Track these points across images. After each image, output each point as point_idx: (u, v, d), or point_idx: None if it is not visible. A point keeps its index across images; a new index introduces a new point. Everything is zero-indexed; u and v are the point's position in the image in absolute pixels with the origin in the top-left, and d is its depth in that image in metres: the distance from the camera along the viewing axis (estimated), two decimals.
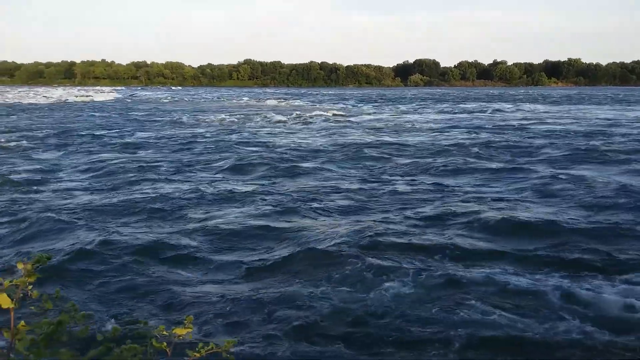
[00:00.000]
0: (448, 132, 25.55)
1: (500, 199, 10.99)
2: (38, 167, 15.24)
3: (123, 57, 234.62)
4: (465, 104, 55.98)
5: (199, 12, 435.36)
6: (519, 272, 6.85)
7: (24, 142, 21.05)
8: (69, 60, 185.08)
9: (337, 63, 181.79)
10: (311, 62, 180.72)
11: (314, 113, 38.84)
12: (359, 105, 55.54)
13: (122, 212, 9.96)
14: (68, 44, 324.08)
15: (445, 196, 11.25)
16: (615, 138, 22.04)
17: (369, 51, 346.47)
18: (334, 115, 38.03)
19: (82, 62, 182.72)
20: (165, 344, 2.25)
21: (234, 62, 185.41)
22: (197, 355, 2.28)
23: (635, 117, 34.50)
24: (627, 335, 5.23)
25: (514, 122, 30.84)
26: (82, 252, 7.46)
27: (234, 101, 64.64)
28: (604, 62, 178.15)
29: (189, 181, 13.12)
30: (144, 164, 15.58)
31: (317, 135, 24.33)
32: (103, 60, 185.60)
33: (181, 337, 2.28)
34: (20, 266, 2.09)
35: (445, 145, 19.70)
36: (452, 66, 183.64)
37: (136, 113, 41.03)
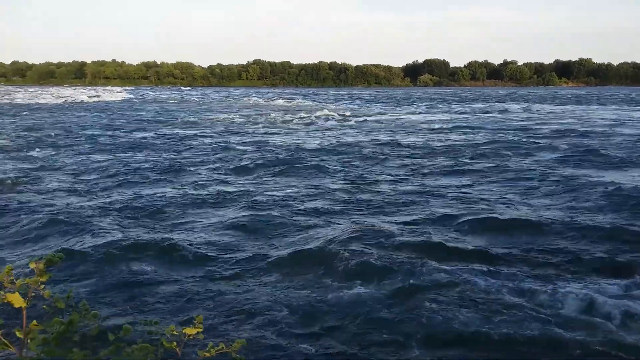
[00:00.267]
0: (453, 132, 25.48)
1: (508, 200, 10.95)
2: (41, 166, 15.37)
3: (133, 58, 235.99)
4: (473, 104, 55.74)
5: (211, 12, 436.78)
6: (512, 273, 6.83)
7: (34, 142, 21.24)
8: (79, 61, 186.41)
9: (346, 63, 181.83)
10: (320, 62, 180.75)
11: (319, 113, 38.81)
12: (367, 105, 55.48)
13: (127, 212, 10.01)
14: (79, 44, 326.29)
15: (445, 197, 11.23)
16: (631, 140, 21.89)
17: (378, 51, 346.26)
18: (340, 115, 38.00)
19: (93, 62, 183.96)
20: (175, 343, 2.26)
21: (243, 62, 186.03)
22: (207, 355, 2.29)
23: None
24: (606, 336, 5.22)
25: (523, 123, 30.69)
26: (91, 251, 7.51)
27: (242, 101, 64.72)
28: (615, 62, 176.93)
29: (193, 181, 13.17)
30: (147, 164, 15.67)
31: (320, 135, 24.35)
32: (113, 61, 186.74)
33: (191, 337, 2.29)
34: (32, 266, 2.11)
35: (446, 146, 19.67)
36: (462, 66, 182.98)
37: (143, 113, 41.24)
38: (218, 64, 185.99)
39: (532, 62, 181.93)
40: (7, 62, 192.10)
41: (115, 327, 4.88)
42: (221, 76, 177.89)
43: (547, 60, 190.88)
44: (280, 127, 29.09)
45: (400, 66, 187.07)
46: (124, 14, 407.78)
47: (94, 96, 73.55)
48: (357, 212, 10.01)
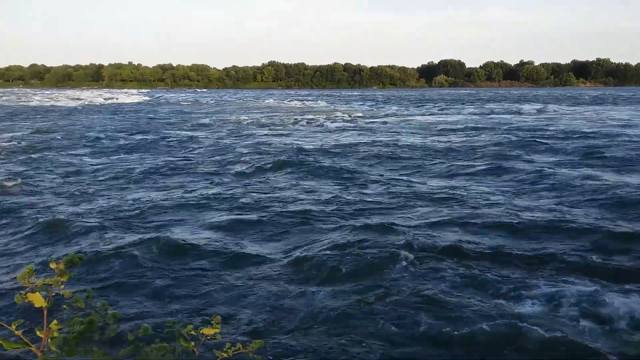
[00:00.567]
0: (460, 133, 25.32)
1: (507, 201, 10.87)
2: (66, 169, 15.54)
3: (149, 60, 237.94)
4: (488, 104, 55.41)
5: (225, 13, 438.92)
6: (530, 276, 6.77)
7: (57, 142, 21.50)
8: (96, 63, 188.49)
9: (361, 64, 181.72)
10: (335, 63, 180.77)
11: (329, 115, 38.85)
12: (379, 106, 55.34)
13: (138, 213, 10.11)
14: (96, 46, 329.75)
15: (446, 198, 11.18)
16: None
17: (393, 52, 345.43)
18: (351, 117, 37.98)
19: (110, 64, 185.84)
20: (193, 343, 2.28)
21: (258, 64, 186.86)
22: (225, 355, 2.30)
23: None
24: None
25: (533, 124, 30.40)
26: (109, 252, 7.58)
27: (256, 103, 64.90)
28: (633, 62, 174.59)
29: (201, 181, 13.27)
30: (157, 165, 15.80)
31: (328, 137, 24.39)
32: (130, 63, 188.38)
33: (209, 337, 2.30)
34: (53, 266, 2.13)
35: (448, 147, 19.59)
36: (478, 67, 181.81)
37: (156, 115, 41.56)
38: (233, 65, 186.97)
39: (549, 62, 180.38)
40: (26, 65, 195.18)
41: (134, 327, 4.95)
42: (236, 78, 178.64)
43: (564, 60, 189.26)
44: (289, 129, 29.16)
45: (415, 67, 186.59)
46: (138, 14, 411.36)
47: (110, 99, 74.23)
48: (359, 213, 9.99)
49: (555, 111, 42.82)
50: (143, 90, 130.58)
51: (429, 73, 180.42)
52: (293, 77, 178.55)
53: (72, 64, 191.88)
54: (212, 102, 68.41)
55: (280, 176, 14.04)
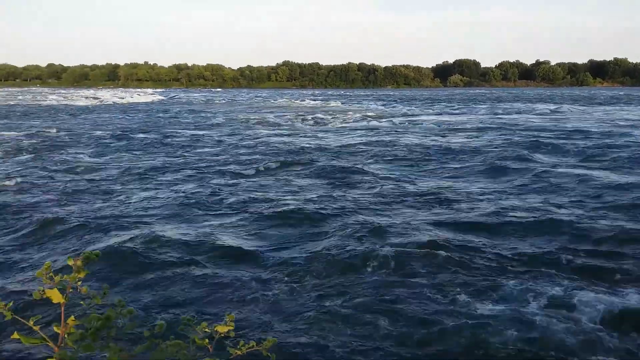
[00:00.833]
0: (471, 133, 25.18)
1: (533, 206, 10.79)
2: (76, 167, 15.70)
3: (164, 59, 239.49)
4: (501, 104, 55.02)
5: (243, 14, 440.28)
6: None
7: (64, 141, 21.73)
8: (113, 63, 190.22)
9: (375, 64, 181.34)
10: (349, 63, 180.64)
11: (342, 114, 38.84)
12: (392, 106, 55.22)
13: (152, 211, 10.19)
14: (112, 45, 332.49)
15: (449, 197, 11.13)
16: None
17: (408, 52, 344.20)
18: (362, 116, 37.95)
19: (126, 64, 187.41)
20: (207, 340, 2.30)
21: (273, 63, 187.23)
22: (238, 352, 2.31)
23: None
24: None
25: (545, 124, 30.13)
26: (125, 249, 7.66)
27: (267, 103, 64.98)
28: None
29: (212, 179, 13.34)
30: (174, 163, 15.90)
31: (338, 136, 24.41)
32: (146, 63, 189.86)
33: (222, 335, 2.31)
34: (70, 262, 2.16)
35: (449, 148, 19.47)
36: (493, 66, 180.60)
37: (170, 114, 41.87)
38: (248, 65, 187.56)
39: (566, 62, 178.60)
40: (43, 64, 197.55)
41: (150, 324, 5.01)
42: (251, 78, 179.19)
43: (581, 60, 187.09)
44: (296, 128, 29.23)
45: (430, 67, 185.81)
46: (154, 14, 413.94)
47: (125, 98, 74.84)
48: (357, 211, 10.00)
49: (571, 111, 42.41)
50: (158, 90, 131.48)
51: (443, 73, 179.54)
52: (307, 77, 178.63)
53: (89, 63, 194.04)
54: (224, 101, 68.69)
55: (283, 176, 14.05)
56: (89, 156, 18.02)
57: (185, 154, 18.47)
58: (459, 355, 5.02)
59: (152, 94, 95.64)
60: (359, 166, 15.36)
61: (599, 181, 12.63)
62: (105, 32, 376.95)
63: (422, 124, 31.47)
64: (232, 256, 7.66)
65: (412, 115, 40.27)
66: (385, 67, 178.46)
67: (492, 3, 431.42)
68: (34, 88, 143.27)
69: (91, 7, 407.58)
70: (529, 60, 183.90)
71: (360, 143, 21.02)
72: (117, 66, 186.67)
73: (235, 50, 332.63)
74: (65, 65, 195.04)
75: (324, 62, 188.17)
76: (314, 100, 69.41)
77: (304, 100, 67.51)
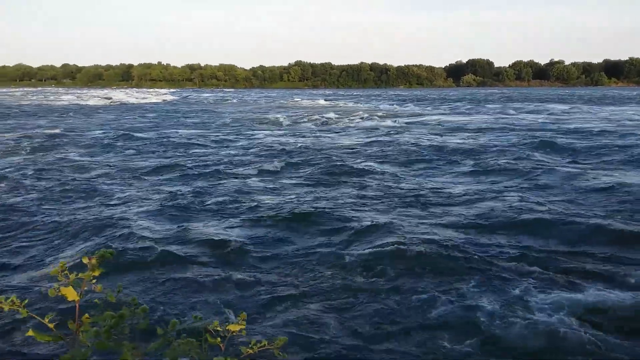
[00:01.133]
0: (477, 133, 25.04)
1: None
2: (91, 160, 15.84)
3: (177, 60, 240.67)
4: (514, 104, 54.63)
5: (261, 15, 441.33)
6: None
7: (71, 140, 21.93)
8: (126, 63, 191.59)
9: (388, 64, 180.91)
10: (361, 63, 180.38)
11: (353, 115, 38.79)
12: (403, 105, 55.07)
13: (163, 210, 10.26)
14: (126, 46, 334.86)
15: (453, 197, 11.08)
16: None
17: (421, 51, 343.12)
18: (370, 116, 37.92)
19: (139, 64, 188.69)
20: (219, 339, 2.31)
21: (285, 63, 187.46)
22: (250, 351, 2.32)
23: None
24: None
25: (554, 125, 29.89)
26: (138, 248, 7.72)
27: (278, 102, 65.08)
28: None
29: (232, 178, 13.38)
30: (188, 160, 15.99)
31: (353, 135, 24.41)
32: (159, 63, 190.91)
33: (234, 333, 2.33)
34: (85, 261, 2.19)
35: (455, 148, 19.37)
36: (507, 66, 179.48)
37: (178, 113, 42.08)
38: (260, 65, 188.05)
39: (580, 61, 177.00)
40: (58, 64, 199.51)
41: (163, 322, 5.04)
42: (263, 78, 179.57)
43: (596, 59, 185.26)
44: (302, 128, 29.27)
45: (443, 66, 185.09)
46: (166, 14, 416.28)
47: (140, 98, 75.35)
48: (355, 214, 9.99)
49: (584, 111, 42.03)
50: (171, 90, 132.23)
51: (456, 72, 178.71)
52: (319, 77, 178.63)
53: (103, 64, 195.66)
54: (235, 101, 68.92)
55: (287, 176, 14.10)
56: (83, 156, 18.19)
57: (184, 154, 18.48)
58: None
59: (164, 94, 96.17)
60: (360, 166, 15.37)
61: (596, 181, 12.54)
62: (119, 33, 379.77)
63: (427, 124, 31.42)
64: (237, 255, 7.71)
65: (418, 115, 40.15)
66: (398, 67, 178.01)
67: (505, 3, 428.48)
68: (49, 88, 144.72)
69: (107, 7, 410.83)
70: (543, 60, 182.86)
71: (362, 143, 21.08)
72: (130, 66, 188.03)
73: (248, 50, 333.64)
74: (79, 65, 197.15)
75: (336, 62, 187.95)
76: (325, 100, 69.43)
77: (314, 100, 67.58)
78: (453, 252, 7.57)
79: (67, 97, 78.19)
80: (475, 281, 6.60)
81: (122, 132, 26.00)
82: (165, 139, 22.80)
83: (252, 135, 24.93)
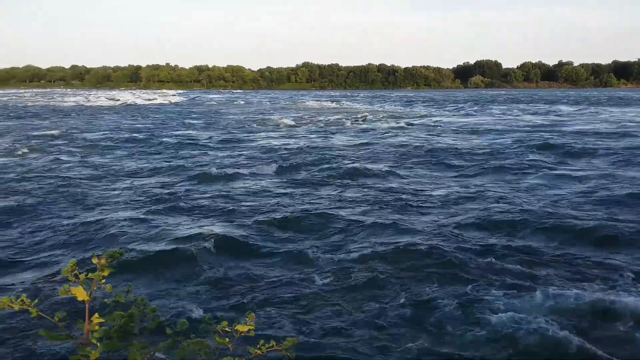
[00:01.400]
0: (480, 134, 24.95)
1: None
2: (100, 168, 15.91)
3: (185, 61, 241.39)
4: (517, 104, 54.39)
5: (266, 15, 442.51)
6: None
7: (109, 142, 22.05)
8: (135, 64, 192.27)
9: (395, 65, 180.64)
10: (369, 64, 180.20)
11: (358, 116, 38.78)
12: (409, 107, 54.99)
13: (172, 209, 10.32)
14: (135, 47, 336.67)
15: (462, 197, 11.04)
16: None
17: (428, 53, 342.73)
18: (375, 117, 37.89)
19: (147, 66, 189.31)
20: (227, 339, 2.31)
21: (292, 64, 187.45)
22: (258, 352, 2.33)
23: None
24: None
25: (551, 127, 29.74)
26: (147, 248, 7.75)
27: (285, 104, 65.07)
28: None
29: (239, 178, 13.42)
30: (196, 163, 16.04)
31: (354, 137, 24.41)
32: (167, 64, 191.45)
33: (242, 334, 2.33)
34: (94, 261, 2.20)
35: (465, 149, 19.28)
36: (515, 67, 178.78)
37: (183, 114, 42.20)
38: (268, 67, 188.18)
39: (589, 62, 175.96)
40: (67, 66, 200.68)
41: (172, 322, 5.06)
42: (270, 79, 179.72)
43: (605, 60, 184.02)
44: (307, 129, 29.26)
45: (451, 67, 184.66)
46: (189, 17, 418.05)
47: (149, 99, 75.63)
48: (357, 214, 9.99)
49: (597, 112, 41.82)
50: (179, 91, 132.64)
51: (464, 73, 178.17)
52: (327, 78, 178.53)
53: (111, 65, 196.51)
54: (242, 102, 69.02)
55: (291, 177, 14.13)
56: (74, 156, 18.31)
57: (180, 156, 18.48)
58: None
59: (172, 95, 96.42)
60: (359, 167, 15.38)
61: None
62: (127, 34, 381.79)
63: (431, 125, 31.40)
64: (252, 254, 7.73)
65: (424, 116, 40.05)
66: (405, 68, 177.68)
67: (513, 4, 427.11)
68: (58, 89, 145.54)
69: (114, 7, 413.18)
70: (551, 61, 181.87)
71: (360, 145, 21.23)
72: (139, 68, 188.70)
73: (255, 52, 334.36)
74: (88, 66, 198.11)
75: (343, 63, 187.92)
76: (331, 101, 69.43)
77: (320, 102, 67.59)
78: (454, 252, 7.57)
79: (74, 98, 78.61)
80: (482, 284, 6.57)
81: (123, 133, 26.12)
82: (162, 141, 22.84)
83: (254, 137, 24.92)
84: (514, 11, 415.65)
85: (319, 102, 64.90)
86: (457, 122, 33.17)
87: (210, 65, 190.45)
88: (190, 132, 27.36)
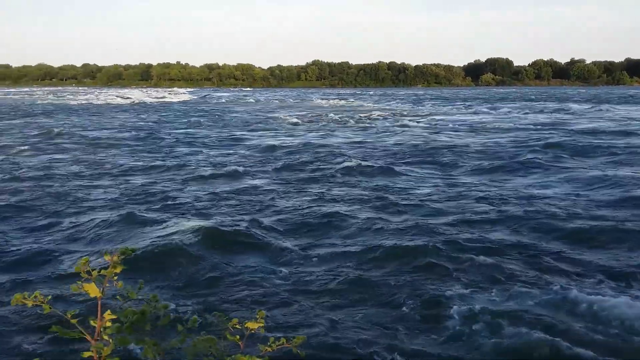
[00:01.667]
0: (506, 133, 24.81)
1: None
2: (108, 162, 16.01)
3: (195, 59, 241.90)
4: (526, 102, 54.03)
5: (280, 13, 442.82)
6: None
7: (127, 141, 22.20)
8: (146, 63, 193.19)
9: (406, 63, 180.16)
10: (379, 62, 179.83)
11: (363, 114, 38.78)
12: (417, 105, 54.86)
13: (182, 207, 10.36)
14: (145, 45, 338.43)
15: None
16: None
17: (439, 51, 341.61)
18: (382, 115, 37.85)
19: (158, 64, 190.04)
20: (238, 337, 2.33)
21: (302, 63, 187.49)
22: (269, 349, 2.34)
23: None
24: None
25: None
26: (158, 245, 7.79)
27: (294, 102, 65.06)
28: None
29: (248, 176, 13.45)
30: (205, 160, 16.09)
31: (359, 135, 24.47)
32: (178, 63, 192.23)
33: (253, 331, 2.35)
34: (107, 258, 2.22)
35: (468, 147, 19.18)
36: (526, 65, 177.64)
37: (190, 112, 42.32)
38: (278, 65, 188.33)
39: (601, 60, 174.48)
40: (78, 64, 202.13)
41: (183, 319, 5.10)
42: (280, 77, 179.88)
43: (618, 58, 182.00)
44: (314, 127, 29.29)
45: (462, 65, 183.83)
46: (200, 15, 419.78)
47: (159, 97, 75.98)
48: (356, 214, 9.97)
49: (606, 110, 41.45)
50: (190, 89, 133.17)
51: (475, 71, 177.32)
52: (337, 76, 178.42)
53: (123, 63, 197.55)
54: (252, 100, 69.16)
55: (291, 175, 14.16)
56: (69, 152, 18.41)
57: (181, 155, 18.54)
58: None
59: (182, 93, 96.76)
60: (360, 166, 15.40)
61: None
62: (139, 32, 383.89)
63: (434, 123, 31.35)
64: (261, 250, 7.76)
65: (427, 114, 39.94)
66: (416, 66, 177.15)
67: (526, 2, 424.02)
68: (69, 87, 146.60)
69: (125, 6, 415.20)
70: (563, 59, 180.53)
71: (364, 142, 21.25)
72: (150, 66, 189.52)
73: (266, 50, 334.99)
74: (99, 65, 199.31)
75: (353, 61, 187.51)
76: (340, 99, 69.40)
77: (329, 100, 67.59)
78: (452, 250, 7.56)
79: (84, 96, 79.10)
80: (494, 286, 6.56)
81: (122, 132, 26.23)
82: (161, 139, 22.96)
83: (254, 136, 24.95)
84: (525, 10, 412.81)
85: (326, 100, 64.93)
86: (462, 120, 33.09)
87: (220, 64, 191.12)
88: (191, 130, 27.42)
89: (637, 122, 30.10)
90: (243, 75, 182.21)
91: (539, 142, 20.19)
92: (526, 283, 6.49)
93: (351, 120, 33.06)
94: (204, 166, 15.52)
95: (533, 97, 74.26)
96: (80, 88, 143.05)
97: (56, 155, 18.10)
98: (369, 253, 7.62)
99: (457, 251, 7.61)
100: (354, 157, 17.09)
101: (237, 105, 57.28)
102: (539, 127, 27.95)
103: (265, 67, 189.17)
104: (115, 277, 2.22)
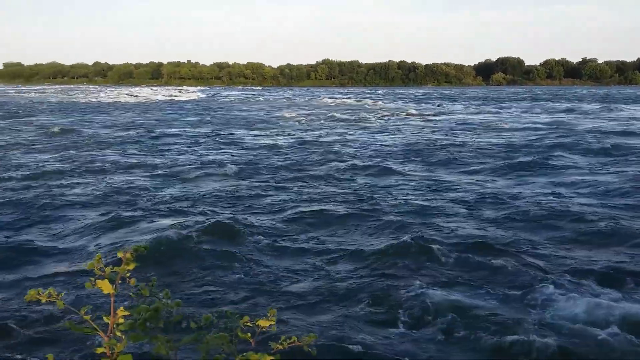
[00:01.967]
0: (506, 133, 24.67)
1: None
2: (121, 160, 16.09)
3: (206, 58, 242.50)
4: (531, 102, 53.69)
5: (287, 12, 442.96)
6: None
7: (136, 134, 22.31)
8: (156, 61, 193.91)
9: (416, 62, 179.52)
10: (389, 61, 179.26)
11: (369, 113, 38.73)
12: (422, 104, 54.67)
13: (192, 206, 10.43)
14: (155, 44, 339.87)
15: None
16: None
17: (450, 50, 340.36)
18: (388, 114, 37.80)
19: (169, 63, 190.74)
20: (249, 334, 2.34)
21: (312, 62, 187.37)
22: (280, 347, 2.35)
23: None
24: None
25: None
26: (171, 243, 7.84)
27: (302, 101, 65.06)
28: None
29: (253, 177, 13.48)
30: (211, 161, 16.13)
31: (362, 135, 24.40)
32: (188, 61, 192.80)
33: (264, 329, 2.35)
34: (120, 255, 2.24)
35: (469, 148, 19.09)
36: (538, 64, 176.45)
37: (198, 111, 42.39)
38: (287, 64, 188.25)
39: (613, 60, 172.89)
40: (90, 63, 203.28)
41: (195, 316, 5.12)
42: (290, 76, 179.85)
43: (630, 58, 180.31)
44: (320, 126, 29.30)
45: (472, 65, 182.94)
46: (211, 14, 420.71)
47: (168, 96, 76.23)
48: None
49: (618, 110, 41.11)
50: (200, 88, 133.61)
51: (486, 70, 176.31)
52: (347, 75, 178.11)
53: (134, 62, 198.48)
54: (261, 99, 69.25)
55: (292, 175, 14.16)
56: (69, 150, 18.45)
57: (183, 154, 18.62)
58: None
59: (193, 92, 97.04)
60: (362, 165, 15.40)
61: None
62: (150, 31, 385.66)
63: (437, 121, 31.29)
64: (273, 249, 7.77)
65: (440, 113, 39.81)
66: (426, 65, 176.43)
67: (536, 1, 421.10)
68: (81, 86, 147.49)
69: (136, 5, 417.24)
70: (575, 59, 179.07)
71: (364, 141, 21.43)
72: (160, 64, 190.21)
73: (266, 50, 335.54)
74: (110, 63, 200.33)
75: (363, 60, 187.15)
76: (349, 98, 69.39)
77: (337, 99, 67.61)
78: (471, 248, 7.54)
79: (93, 94, 79.49)
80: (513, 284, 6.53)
81: (123, 130, 26.33)
82: (161, 138, 23.01)
83: (253, 135, 25.00)
84: (537, 8, 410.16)
85: (333, 99, 64.88)
86: (468, 119, 32.97)
87: (230, 63, 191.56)
88: (192, 129, 27.46)
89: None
90: (253, 74, 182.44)
91: (543, 143, 20.15)
92: (516, 284, 6.49)
93: (354, 119, 33.02)
94: (197, 166, 15.57)
95: (544, 96, 73.76)
96: (91, 86, 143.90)
97: (51, 154, 18.15)
98: (350, 254, 7.62)
99: (458, 251, 7.61)
100: (348, 155, 17.15)
101: (244, 104, 57.35)
102: (544, 126, 27.81)
103: (275, 65, 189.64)
104: (129, 274, 2.24)
